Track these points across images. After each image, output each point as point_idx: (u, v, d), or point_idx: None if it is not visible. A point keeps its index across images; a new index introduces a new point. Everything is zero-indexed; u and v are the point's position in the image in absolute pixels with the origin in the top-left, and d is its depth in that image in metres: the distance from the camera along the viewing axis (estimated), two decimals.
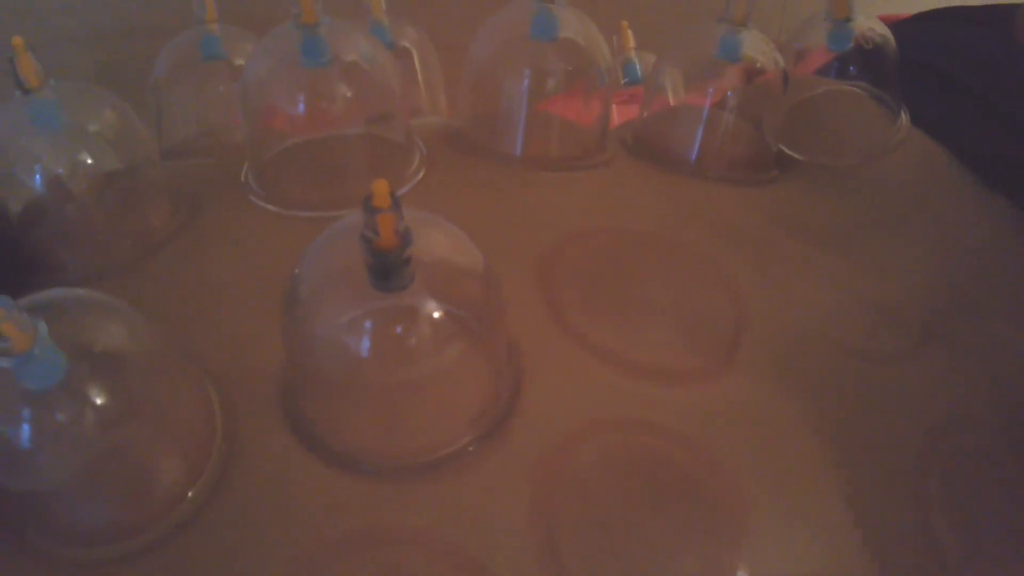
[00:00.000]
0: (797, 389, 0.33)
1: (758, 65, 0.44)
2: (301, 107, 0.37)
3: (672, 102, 0.46)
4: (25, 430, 0.25)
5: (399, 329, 0.28)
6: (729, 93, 0.44)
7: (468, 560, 0.27)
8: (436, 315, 0.28)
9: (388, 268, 0.26)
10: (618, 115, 0.53)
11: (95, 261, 0.37)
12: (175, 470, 0.28)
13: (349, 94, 0.38)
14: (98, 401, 0.26)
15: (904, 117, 0.49)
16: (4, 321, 0.23)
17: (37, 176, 0.35)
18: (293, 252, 0.35)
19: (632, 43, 0.52)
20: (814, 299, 0.37)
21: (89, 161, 0.36)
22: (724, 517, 0.29)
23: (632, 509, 0.28)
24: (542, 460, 0.29)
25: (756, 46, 0.44)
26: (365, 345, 0.27)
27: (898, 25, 0.62)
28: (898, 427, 0.33)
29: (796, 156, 0.47)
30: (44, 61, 0.34)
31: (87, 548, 0.28)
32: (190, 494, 0.28)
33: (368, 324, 0.27)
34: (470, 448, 0.29)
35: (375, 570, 0.27)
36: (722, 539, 0.28)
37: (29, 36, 0.34)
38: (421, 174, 0.40)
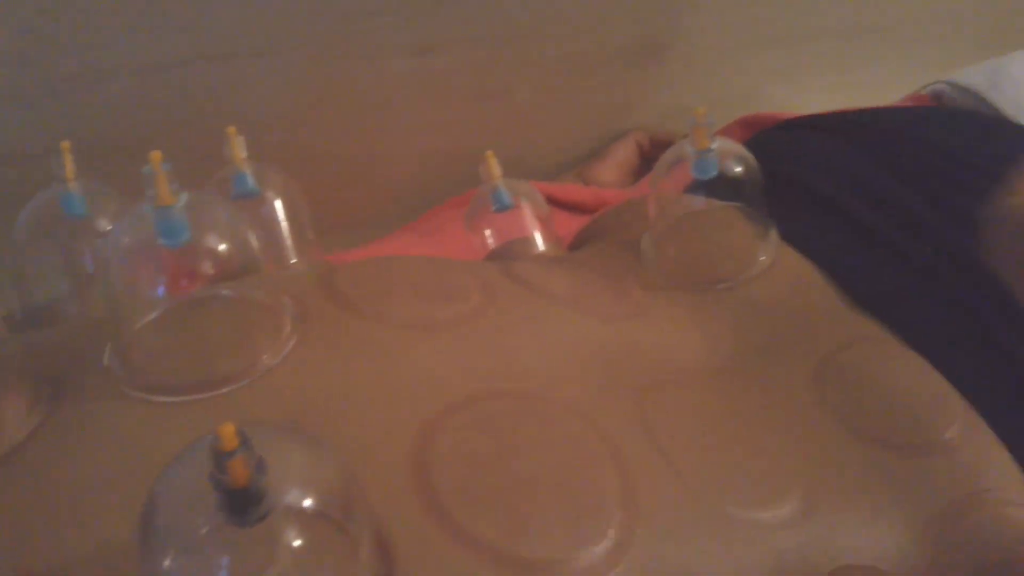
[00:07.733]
0: None
1: None
2: (160, 290, 0.37)
3: None
4: None
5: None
6: None
7: None
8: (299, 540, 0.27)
9: (244, 503, 0.25)
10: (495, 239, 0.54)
11: None
12: None
13: (211, 269, 0.37)
14: None
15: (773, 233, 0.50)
16: None
17: None
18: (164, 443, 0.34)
19: (498, 171, 0.52)
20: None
21: None
22: None
23: None
24: None
25: None
26: None
27: (759, 136, 0.65)
28: None
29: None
30: None
31: None
32: None
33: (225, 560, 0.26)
34: None
35: None
36: None
37: None
38: (292, 342, 0.38)
